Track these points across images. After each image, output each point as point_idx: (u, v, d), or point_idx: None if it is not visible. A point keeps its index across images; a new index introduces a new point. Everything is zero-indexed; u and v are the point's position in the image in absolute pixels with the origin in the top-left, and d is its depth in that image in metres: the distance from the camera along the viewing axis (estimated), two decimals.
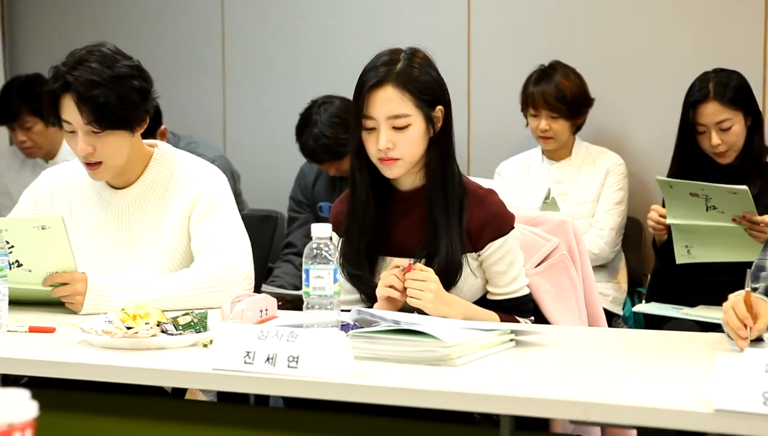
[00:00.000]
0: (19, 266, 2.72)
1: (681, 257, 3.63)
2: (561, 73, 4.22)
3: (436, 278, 2.56)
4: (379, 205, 2.69)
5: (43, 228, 2.68)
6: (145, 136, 2.98)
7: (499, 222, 2.67)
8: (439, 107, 2.65)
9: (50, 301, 2.76)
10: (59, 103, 2.81)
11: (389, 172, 2.64)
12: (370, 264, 2.69)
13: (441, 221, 2.63)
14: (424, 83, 2.62)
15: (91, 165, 2.85)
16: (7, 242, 2.67)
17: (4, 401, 1.28)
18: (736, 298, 2.28)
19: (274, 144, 4.99)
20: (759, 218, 3.47)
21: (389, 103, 2.60)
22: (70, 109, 2.79)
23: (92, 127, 2.78)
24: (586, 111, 4.27)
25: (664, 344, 2.46)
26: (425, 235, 2.65)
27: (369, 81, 2.61)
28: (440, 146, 2.66)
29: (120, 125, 2.80)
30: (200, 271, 2.79)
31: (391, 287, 2.56)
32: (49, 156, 4.90)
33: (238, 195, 4.47)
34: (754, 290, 2.48)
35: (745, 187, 3.45)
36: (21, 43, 5.56)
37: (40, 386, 2.32)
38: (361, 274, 2.68)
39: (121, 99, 2.78)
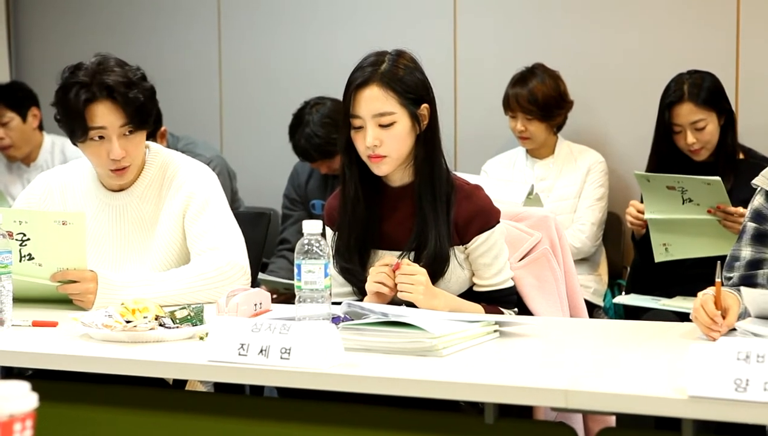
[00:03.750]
0: (31, 259, 2.70)
1: (659, 256, 3.65)
2: (539, 76, 4.25)
3: (424, 271, 2.59)
4: (369, 201, 2.72)
5: (63, 223, 2.67)
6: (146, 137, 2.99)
7: (486, 216, 2.70)
8: (425, 105, 2.68)
9: (54, 298, 2.74)
10: (88, 112, 2.77)
11: (378, 169, 2.67)
12: (361, 258, 2.72)
13: (429, 215, 2.66)
14: (408, 83, 2.65)
15: (119, 170, 2.85)
16: (24, 234, 2.68)
17: (5, 392, 1.29)
18: (704, 296, 2.30)
19: (268, 144, 5.04)
20: (733, 209, 3.50)
21: (374, 101, 2.64)
22: (104, 114, 2.78)
23: (128, 128, 2.80)
24: (560, 113, 4.29)
25: (643, 333, 2.49)
26: (414, 229, 2.68)
27: (355, 81, 2.65)
28: (427, 143, 2.69)
29: (146, 125, 2.85)
30: (201, 267, 2.81)
31: (380, 283, 2.59)
32: (30, 159, 4.88)
33: (234, 193, 4.49)
34: (729, 278, 2.52)
35: (718, 178, 3.48)
36: (27, 45, 5.56)
37: (44, 378, 2.38)
38: (352, 267, 2.71)
39: (149, 99, 2.85)
